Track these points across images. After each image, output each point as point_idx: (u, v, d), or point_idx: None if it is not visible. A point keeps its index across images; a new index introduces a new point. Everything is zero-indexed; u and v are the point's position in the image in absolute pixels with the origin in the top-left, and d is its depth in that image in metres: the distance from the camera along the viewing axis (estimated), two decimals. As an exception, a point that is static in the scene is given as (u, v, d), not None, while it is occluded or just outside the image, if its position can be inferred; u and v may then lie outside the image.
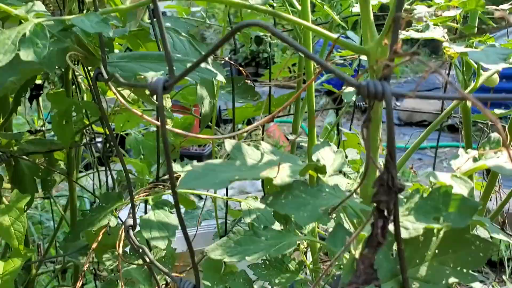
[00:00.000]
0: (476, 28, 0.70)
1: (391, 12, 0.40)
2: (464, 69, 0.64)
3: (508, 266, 1.95)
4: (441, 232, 0.37)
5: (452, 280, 0.36)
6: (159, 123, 0.47)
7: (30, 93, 1.26)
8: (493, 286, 0.97)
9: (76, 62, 0.93)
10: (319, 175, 0.42)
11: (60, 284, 1.34)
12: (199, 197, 2.64)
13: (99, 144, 1.37)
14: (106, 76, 0.48)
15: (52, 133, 1.33)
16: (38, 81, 1.27)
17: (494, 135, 0.46)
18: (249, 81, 0.89)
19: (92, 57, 0.53)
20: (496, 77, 0.66)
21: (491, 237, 0.48)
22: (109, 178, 1.03)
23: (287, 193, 0.40)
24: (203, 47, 0.74)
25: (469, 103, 0.67)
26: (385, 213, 0.32)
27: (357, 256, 0.32)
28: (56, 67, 0.63)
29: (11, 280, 0.73)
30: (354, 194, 0.44)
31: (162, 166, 0.88)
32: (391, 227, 0.33)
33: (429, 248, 0.36)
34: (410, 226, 0.35)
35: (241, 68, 0.85)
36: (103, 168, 1.24)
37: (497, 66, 0.45)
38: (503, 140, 0.27)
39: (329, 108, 1.14)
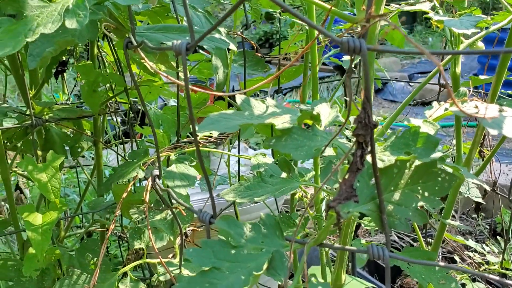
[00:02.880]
0: (466, 1, 0.77)
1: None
2: (452, 38, 0.71)
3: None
4: (413, 166, 0.45)
5: (420, 203, 0.44)
6: (181, 82, 0.55)
7: (56, 69, 1.35)
8: (487, 244, 1.05)
9: (102, 38, 1.02)
10: (314, 123, 0.51)
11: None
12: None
13: (122, 116, 1.45)
14: (135, 44, 0.57)
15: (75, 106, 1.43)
16: (63, 58, 1.36)
17: (463, 89, 0.54)
18: (259, 54, 0.97)
19: (122, 27, 0.62)
20: (481, 44, 0.73)
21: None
22: (134, 144, 1.12)
23: (287, 136, 0.48)
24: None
25: (458, 70, 0.75)
26: (363, 145, 0.40)
27: (340, 180, 0.41)
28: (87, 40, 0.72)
29: (49, 229, 0.82)
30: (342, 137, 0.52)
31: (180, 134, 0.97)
32: (369, 159, 0.42)
33: (402, 178, 0.45)
34: (386, 158, 0.43)
35: (252, 42, 0.93)
36: (125, 140, 1.34)
37: (468, 30, 0.52)
38: (449, 92, 0.34)
39: (336, 80, 1.21)
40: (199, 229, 0.94)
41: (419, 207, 0.44)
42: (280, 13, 1.03)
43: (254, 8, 0.93)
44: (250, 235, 0.48)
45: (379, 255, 0.43)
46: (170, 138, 1.34)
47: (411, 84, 5.42)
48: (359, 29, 0.85)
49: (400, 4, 0.70)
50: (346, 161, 0.49)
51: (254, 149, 3.39)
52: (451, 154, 1.06)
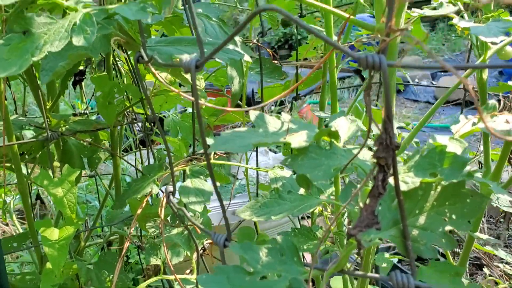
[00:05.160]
0: (492, 3, 0.73)
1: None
2: (478, 43, 0.68)
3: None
4: (439, 187, 0.42)
5: (448, 228, 0.41)
6: (193, 98, 0.53)
7: (74, 79, 1.35)
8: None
9: (117, 47, 1.00)
10: (333, 140, 0.48)
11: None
12: (234, 176, 2.72)
13: (138, 125, 1.45)
14: (146, 59, 0.55)
15: (95, 116, 1.42)
16: (81, 68, 1.36)
17: (491, 102, 0.51)
18: (276, 62, 0.94)
19: (133, 41, 0.60)
20: (510, 49, 0.69)
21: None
22: (150, 155, 1.11)
23: (304, 155, 0.45)
24: (232, 30, 0.80)
25: (484, 76, 0.71)
26: (385, 168, 0.37)
27: (361, 204, 0.38)
28: (100, 53, 0.70)
29: (66, 245, 0.81)
30: (368, 157, 0.49)
31: (198, 144, 0.95)
32: (391, 180, 0.39)
33: (428, 201, 0.42)
34: (410, 180, 0.40)
35: (268, 50, 0.90)
36: (143, 148, 1.33)
37: (496, 39, 0.49)
38: (478, 111, 0.31)
39: (355, 86, 1.18)
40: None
41: (446, 232, 0.41)
42: (297, 19, 1.01)
43: (270, 15, 0.90)
44: (267, 260, 0.45)
45: (403, 283, 0.40)
46: (188, 145, 1.33)
47: (433, 83, 5.33)
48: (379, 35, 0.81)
49: (422, 8, 0.67)
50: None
51: (275, 152, 3.36)
52: (479, 161, 1.01)
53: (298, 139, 0.45)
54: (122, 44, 0.61)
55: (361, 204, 0.40)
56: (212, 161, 0.78)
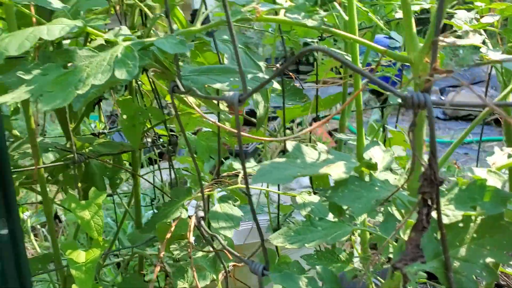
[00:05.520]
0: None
1: (429, 35, 0.46)
2: (503, 70, 0.69)
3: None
4: (478, 219, 0.43)
5: (488, 260, 0.42)
6: (227, 127, 0.54)
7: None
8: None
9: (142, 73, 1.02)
10: (370, 171, 0.49)
11: (124, 274, 1.45)
12: (244, 193, 2.72)
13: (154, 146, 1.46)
14: (182, 89, 0.56)
15: (113, 134, 1.44)
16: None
17: (527, 134, 0.52)
18: (298, 85, 0.96)
19: (168, 71, 0.61)
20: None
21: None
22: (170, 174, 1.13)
23: (344, 187, 0.46)
24: (257, 56, 0.82)
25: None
26: (429, 202, 0.38)
27: (405, 239, 0.39)
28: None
29: (92, 267, 0.82)
30: (401, 188, 0.50)
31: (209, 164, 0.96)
32: (434, 214, 0.40)
33: (468, 233, 0.42)
34: (451, 213, 0.41)
35: (291, 73, 0.92)
36: (162, 168, 1.34)
37: (530, 72, 0.50)
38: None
39: (374, 107, 1.19)
40: (241, 264, 0.92)
41: (487, 263, 0.42)
42: (317, 42, 1.02)
43: (293, 40, 0.92)
44: (306, 290, 0.46)
45: (445, 315, 0.41)
46: (203, 163, 1.34)
47: (442, 99, 5.32)
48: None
49: (447, 37, 0.68)
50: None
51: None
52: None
53: (337, 171, 0.46)
54: (156, 74, 0.63)
55: (405, 238, 0.41)
56: (237, 185, 0.79)
